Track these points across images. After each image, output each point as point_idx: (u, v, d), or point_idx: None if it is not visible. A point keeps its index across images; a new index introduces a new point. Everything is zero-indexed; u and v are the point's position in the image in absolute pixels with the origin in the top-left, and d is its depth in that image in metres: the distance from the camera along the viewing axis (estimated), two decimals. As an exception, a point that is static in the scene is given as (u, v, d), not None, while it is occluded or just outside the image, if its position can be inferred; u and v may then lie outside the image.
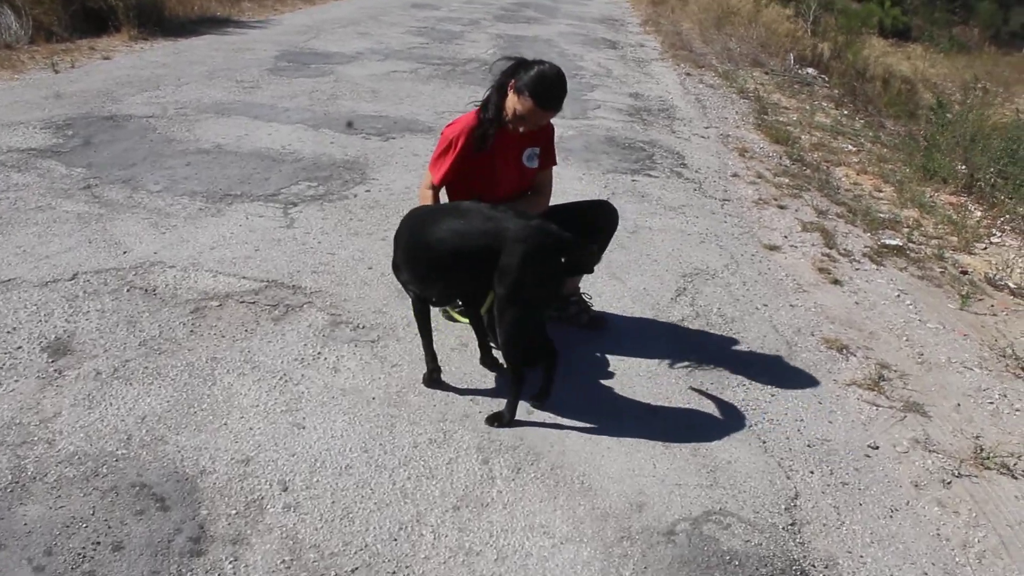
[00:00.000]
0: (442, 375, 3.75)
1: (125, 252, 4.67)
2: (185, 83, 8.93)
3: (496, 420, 3.48)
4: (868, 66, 16.97)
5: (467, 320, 4.08)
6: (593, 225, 4.14)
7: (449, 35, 14.68)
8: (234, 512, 2.85)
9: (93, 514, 2.77)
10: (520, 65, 3.76)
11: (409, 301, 3.73)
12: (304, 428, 3.31)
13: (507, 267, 3.24)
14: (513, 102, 3.72)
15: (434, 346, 3.74)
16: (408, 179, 6.39)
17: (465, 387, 3.73)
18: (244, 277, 4.51)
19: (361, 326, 4.14)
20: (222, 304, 4.22)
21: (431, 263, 3.48)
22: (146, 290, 4.28)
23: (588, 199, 4.60)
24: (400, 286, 3.82)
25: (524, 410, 3.57)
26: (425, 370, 3.73)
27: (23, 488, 2.85)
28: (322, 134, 7.45)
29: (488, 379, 3.82)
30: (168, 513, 2.81)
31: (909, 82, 17.57)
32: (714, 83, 12.70)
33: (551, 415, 3.60)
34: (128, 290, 4.26)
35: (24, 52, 9.85)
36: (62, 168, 5.91)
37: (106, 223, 5.04)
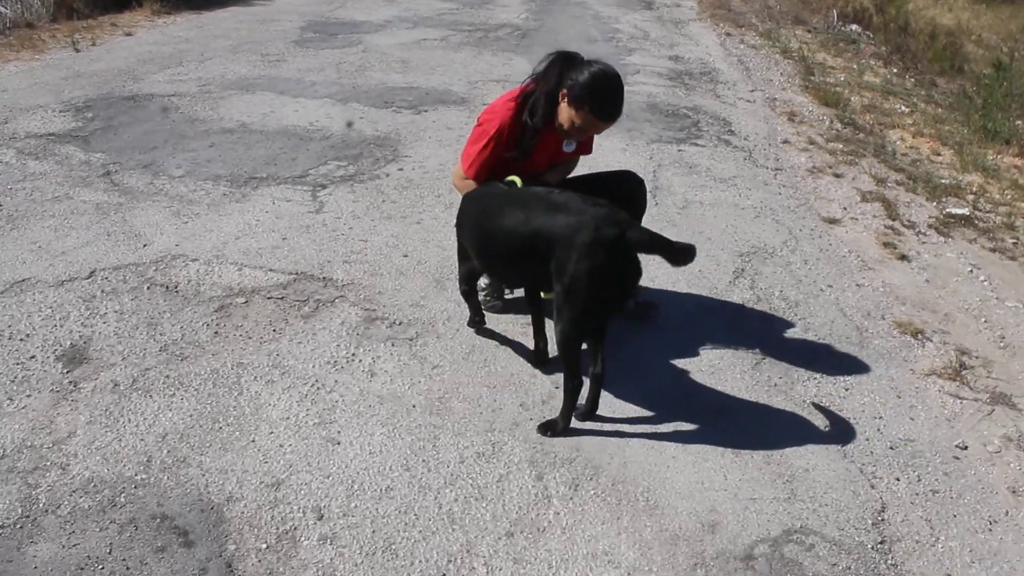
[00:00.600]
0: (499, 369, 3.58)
1: (145, 245, 4.38)
2: (208, 58, 8.61)
3: (549, 429, 3.16)
4: (911, 20, 16.19)
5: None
6: (629, 196, 3.78)
7: (479, -1, 14.20)
8: (265, 546, 2.57)
9: (110, 553, 2.50)
10: (569, 65, 3.40)
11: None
12: (339, 444, 3.01)
13: (564, 262, 2.90)
14: (569, 115, 3.39)
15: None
16: (442, 155, 6.04)
17: (513, 389, 3.41)
18: (271, 270, 4.21)
19: (398, 322, 3.82)
20: (248, 301, 3.92)
21: (497, 256, 3.31)
22: (167, 287, 3.99)
23: (611, 170, 4.18)
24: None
25: (575, 419, 3.25)
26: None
27: (34, 523, 2.59)
28: (351, 108, 7.11)
29: (539, 380, 3.49)
30: (192, 550, 2.53)
31: (953, 35, 16.76)
32: (756, 43, 12.12)
33: (608, 422, 3.27)
34: (148, 288, 3.98)
35: (45, 31, 9.57)
36: (81, 154, 5.64)
37: (125, 213, 4.76)
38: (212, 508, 2.69)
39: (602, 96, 3.33)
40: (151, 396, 3.22)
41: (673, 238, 4.86)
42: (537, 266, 3.04)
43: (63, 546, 2.51)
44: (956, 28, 18.53)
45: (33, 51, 8.59)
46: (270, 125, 6.50)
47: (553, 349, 3.40)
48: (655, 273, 4.42)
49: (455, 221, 3.63)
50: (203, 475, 2.83)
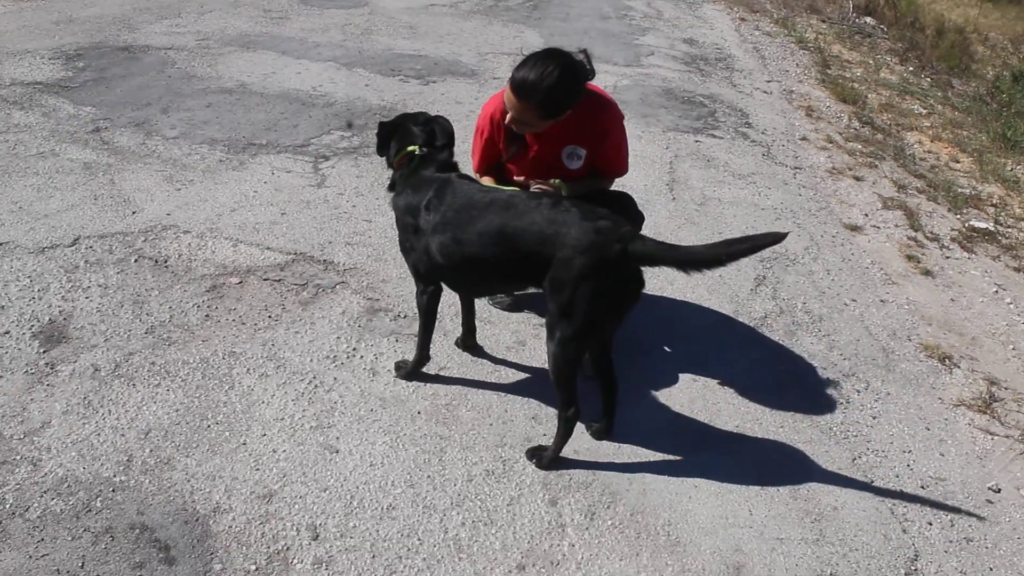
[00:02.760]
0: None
1: (134, 212, 4.10)
2: (208, 11, 8.24)
3: (535, 456, 2.89)
4: (919, 14, 15.91)
5: None
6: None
7: (490, -35, 13.78)
8: (254, 567, 2.33)
9: (82, 566, 2.27)
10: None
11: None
12: (338, 452, 2.77)
13: (561, 280, 2.60)
14: None
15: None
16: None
17: (525, 398, 3.17)
18: (268, 248, 3.95)
19: (402, 314, 3.57)
20: (243, 281, 3.66)
21: (476, 261, 2.80)
22: (156, 261, 3.72)
23: (612, 190, 3.67)
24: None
25: (592, 439, 3.02)
26: (412, 362, 3.19)
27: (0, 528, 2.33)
28: (356, 74, 6.79)
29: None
30: (174, 568, 2.30)
31: (961, 32, 16.50)
32: (771, 30, 11.82)
33: (626, 443, 3.04)
34: (136, 260, 3.71)
35: (37, -31, 9.15)
36: (69, 107, 5.31)
37: (115, 175, 4.46)
38: (197, 520, 2.45)
39: (527, 57, 2.98)
40: (134, 385, 2.96)
41: (693, 237, 4.72)
42: (523, 276, 2.80)
43: (30, 556, 2.27)
44: (964, 25, 18.27)
45: (24, -9, 8.18)
46: (271, 87, 6.18)
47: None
48: (674, 276, 4.19)
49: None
50: (188, 480, 2.58)
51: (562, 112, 3.01)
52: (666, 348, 3.67)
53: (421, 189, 2.89)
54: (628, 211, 3.45)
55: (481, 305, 3.72)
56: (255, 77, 6.36)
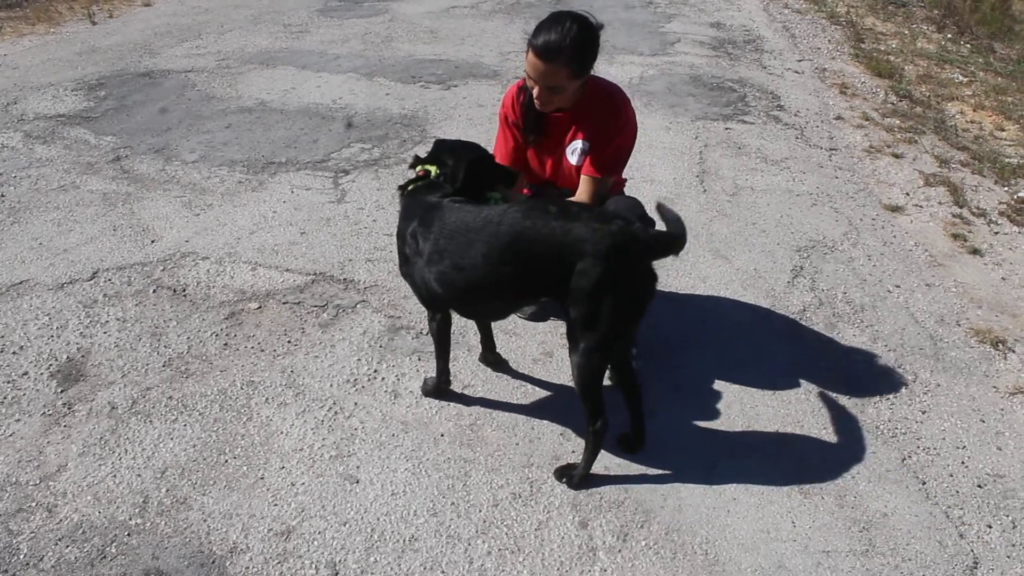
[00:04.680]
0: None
1: (153, 241, 4.06)
2: (228, 30, 8.25)
3: (565, 476, 2.76)
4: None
5: None
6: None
7: (510, -38, 13.66)
8: (271, 611, 2.24)
9: (96, 618, 2.19)
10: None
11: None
12: (358, 482, 2.68)
13: (582, 289, 2.45)
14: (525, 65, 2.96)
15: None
16: (474, 136, 5.58)
17: (553, 415, 3.04)
18: (287, 269, 3.87)
19: (424, 331, 3.47)
20: (262, 306, 3.59)
21: (476, 287, 2.64)
22: (175, 290, 3.67)
23: (614, 195, 3.36)
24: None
25: (622, 453, 2.89)
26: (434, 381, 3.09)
27: (12, 581, 2.28)
28: (376, 84, 6.72)
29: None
30: (188, 615, 2.22)
31: (1001, -7, 15.94)
32: (800, 8, 11.52)
33: (659, 456, 2.90)
34: (154, 291, 3.66)
35: (63, 2, 9.25)
36: (91, 137, 5.32)
37: (134, 204, 4.43)
38: (214, 562, 2.37)
39: (542, 22, 2.88)
40: (151, 421, 2.90)
41: (726, 230, 4.56)
42: (534, 292, 2.67)
43: (44, 610, 2.21)
44: (1005, -14, 17.64)
45: (49, 24, 8.28)
46: (291, 103, 6.13)
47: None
48: (707, 273, 4.04)
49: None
50: (204, 520, 2.51)
51: (588, 68, 2.91)
52: (699, 350, 3.51)
53: (410, 214, 2.75)
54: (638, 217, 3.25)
55: (508, 317, 3.61)
56: (275, 94, 6.31)
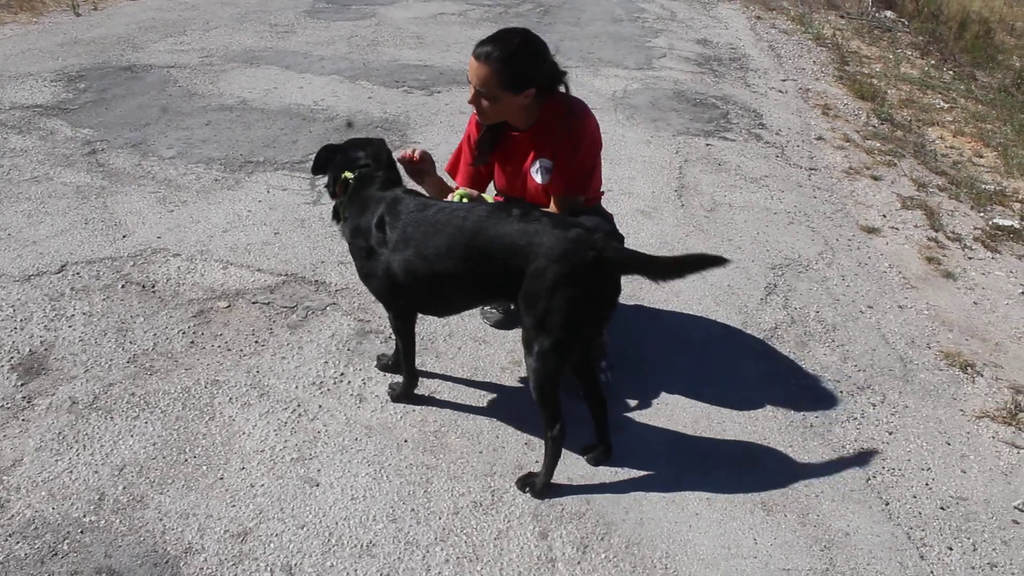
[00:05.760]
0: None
1: (124, 236, 4.02)
2: (213, 27, 8.21)
3: (527, 485, 2.74)
4: (943, 6, 15.58)
5: None
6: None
7: (500, -28, 13.70)
8: (223, 614, 2.21)
9: (43, 616, 2.15)
10: None
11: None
12: (318, 485, 2.65)
13: (535, 291, 2.49)
14: None
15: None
16: (453, 142, 5.57)
17: (519, 424, 3.03)
18: (259, 269, 3.84)
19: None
20: (231, 305, 3.56)
21: (437, 277, 2.68)
22: (144, 286, 3.63)
23: (589, 209, 3.28)
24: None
25: (587, 465, 2.88)
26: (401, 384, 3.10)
27: (-42, 576, 2.24)
28: (359, 87, 6.70)
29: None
30: (138, 615, 2.18)
31: (986, 23, 16.13)
32: (787, 28, 11.62)
33: (622, 469, 2.89)
34: (123, 286, 3.62)
35: (47, -8, 9.18)
36: (67, 129, 5.26)
37: (107, 198, 4.39)
38: (167, 562, 2.34)
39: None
40: (112, 418, 2.86)
41: (702, 245, 4.57)
42: (492, 290, 2.71)
43: (-10, 606, 2.17)
44: (988, 16, 17.87)
45: (31, 13, 8.21)
46: (272, 103, 6.10)
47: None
48: (679, 287, 4.04)
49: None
50: (160, 519, 2.48)
51: (521, 87, 2.88)
52: (670, 363, 3.51)
53: (369, 208, 2.77)
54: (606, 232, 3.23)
55: (476, 324, 3.61)
56: (256, 93, 6.28)
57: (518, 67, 2.85)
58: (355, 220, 2.80)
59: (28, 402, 2.90)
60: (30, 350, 3.17)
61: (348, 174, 2.90)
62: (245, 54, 7.32)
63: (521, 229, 2.51)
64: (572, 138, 3.04)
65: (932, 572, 2.62)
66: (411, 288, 2.72)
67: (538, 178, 3.14)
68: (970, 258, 4.96)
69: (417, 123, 5.99)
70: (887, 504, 2.88)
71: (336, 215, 2.96)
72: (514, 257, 2.50)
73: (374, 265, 2.75)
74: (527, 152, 3.14)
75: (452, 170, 3.39)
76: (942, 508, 2.90)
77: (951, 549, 2.73)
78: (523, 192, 3.24)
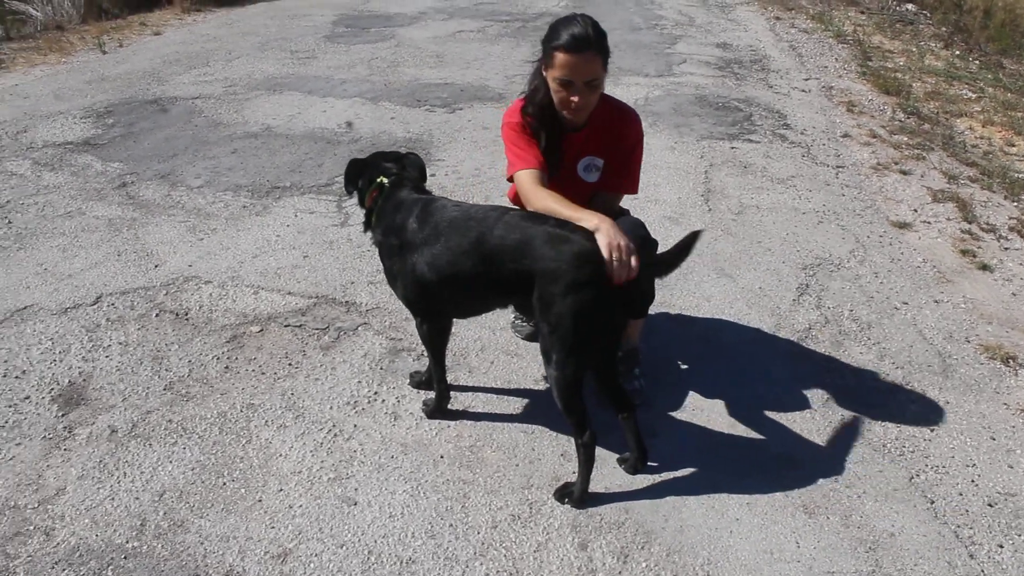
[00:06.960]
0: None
1: (157, 266, 4.07)
2: (236, 57, 8.33)
3: (565, 495, 2.73)
4: (965, -6, 15.39)
5: None
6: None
7: (517, -12, 13.76)
8: (266, 635, 2.22)
9: (90, 643, 2.17)
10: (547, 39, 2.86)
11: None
12: (356, 504, 2.66)
13: (548, 295, 2.48)
14: (550, 75, 2.83)
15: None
16: (478, 158, 5.66)
17: (554, 435, 3.02)
18: (290, 293, 3.88)
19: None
20: (263, 329, 3.59)
21: (457, 276, 2.67)
22: (177, 314, 3.68)
23: (624, 217, 3.16)
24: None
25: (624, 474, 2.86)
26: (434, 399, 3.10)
27: (6, 606, 2.27)
28: (382, 108, 6.76)
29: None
30: (183, 640, 2.19)
31: (1012, 11, 15.92)
32: (807, 27, 11.55)
33: (660, 476, 2.87)
34: (157, 315, 3.67)
35: (74, 32, 9.39)
36: (98, 164, 5.36)
37: (138, 230, 4.46)
38: (209, 586, 2.35)
39: (555, 27, 2.79)
40: (150, 444, 2.89)
41: (731, 248, 4.54)
42: (506, 293, 2.69)
43: (38, 635, 2.20)
44: (1015, 2, 17.61)
45: (60, 54, 8.38)
46: (296, 128, 6.17)
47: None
48: (711, 292, 4.02)
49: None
50: (201, 543, 2.49)
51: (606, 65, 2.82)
52: (703, 368, 3.49)
53: (403, 209, 2.79)
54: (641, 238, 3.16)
55: (508, 337, 3.61)
56: (280, 119, 6.36)
57: (606, 43, 2.79)
58: (388, 220, 2.81)
59: (69, 432, 2.94)
60: (69, 381, 3.22)
61: (383, 179, 2.91)
62: (268, 81, 7.42)
63: (523, 229, 2.53)
64: (630, 133, 3.02)
65: (983, 571, 2.56)
66: (435, 285, 2.70)
67: (589, 177, 3.09)
68: (1006, 248, 4.88)
69: (440, 140, 6.02)
70: (932, 503, 2.83)
71: (367, 224, 2.96)
72: (520, 259, 2.51)
73: (402, 263, 2.75)
74: (578, 148, 3.05)
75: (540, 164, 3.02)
76: (990, 505, 2.84)
77: (1002, 547, 2.67)
78: (565, 191, 3.10)
